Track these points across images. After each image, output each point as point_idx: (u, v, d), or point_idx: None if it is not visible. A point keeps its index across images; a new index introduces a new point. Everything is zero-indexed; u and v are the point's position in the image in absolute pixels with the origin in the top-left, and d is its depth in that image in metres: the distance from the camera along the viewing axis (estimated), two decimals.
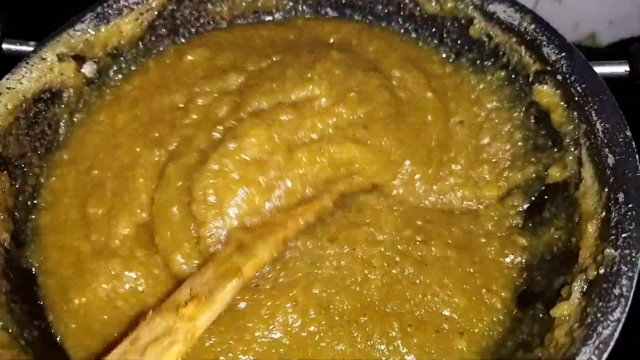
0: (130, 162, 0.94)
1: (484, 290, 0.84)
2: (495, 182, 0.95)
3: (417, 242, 0.87)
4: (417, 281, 0.84)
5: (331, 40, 1.12)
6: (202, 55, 1.07)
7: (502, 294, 0.85)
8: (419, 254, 0.86)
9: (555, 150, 0.90)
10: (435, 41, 1.10)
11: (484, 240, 0.89)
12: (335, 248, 0.86)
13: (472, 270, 0.86)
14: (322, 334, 0.80)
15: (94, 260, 0.86)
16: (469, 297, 0.83)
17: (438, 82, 1.03)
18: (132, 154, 0.95)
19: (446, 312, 0.82)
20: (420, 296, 0.83)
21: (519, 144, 0.97)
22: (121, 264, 0.85)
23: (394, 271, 0.84)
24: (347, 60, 1.00)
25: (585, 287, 0.72)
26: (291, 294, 0.81)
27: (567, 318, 0.72)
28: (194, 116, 0.96)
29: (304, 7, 1.19)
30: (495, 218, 0.92)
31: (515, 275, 0.87)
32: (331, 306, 0.81)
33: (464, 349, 0.80)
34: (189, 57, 1.07)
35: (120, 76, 1.08)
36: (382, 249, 0.86)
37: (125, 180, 0.92)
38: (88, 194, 0.92)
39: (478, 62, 1.04)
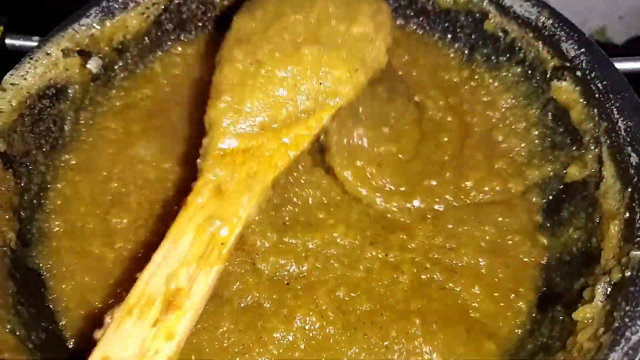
0: (158, 177, 0.93)
1: (512, 295, 0.83)
2: (518, 176, 0.93)
3: (448, 250, 0.86)
4: (446, 287, 0.83)
5: None
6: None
7: (528, 297, 0.83)
8: (450, 262, 0.85)
9: (574, 148, 0.88)
10: (449, 36, 1.08)
11: (513, 237, 0.87)
12: (372, 251, 0.85)
13: (502, 275, 0.84)
14: (337, 337, 0.79)
15: (119, 266, 0.86)
16: (498, 303, 0.82)
17: (455, 96, 1.01)
18: (159, 169, 0.94)
19: (477, 316, 0.81)
20: (449, 300, 0.82)
21: (536, 141, 0.95)
22: None
23: (423, 276, 0.83)
24: (389, 75, 0.97)
25: (609, 289, 0.71)
26: (314, 297, 0.81)
27: (591, 321, 0.71)
28: None
29: None
30: (523, 212, 0.90)
31: (537, 276, 0.85)
32: (350, 309, 0.81)
33: (491, 351, 0.79)
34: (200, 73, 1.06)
35: (126, 73, 1.06)
36: (413, 256, 0.85)
37: (156, 193, 0.92)
38: (109, 204, 0.92)
39: (493, 57, 1.02)
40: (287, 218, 0.87)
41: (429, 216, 0.89)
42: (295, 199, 0.89)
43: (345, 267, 0.84)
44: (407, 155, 0.93)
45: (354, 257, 0.85)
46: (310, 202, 0.89)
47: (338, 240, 0.86)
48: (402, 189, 0.90)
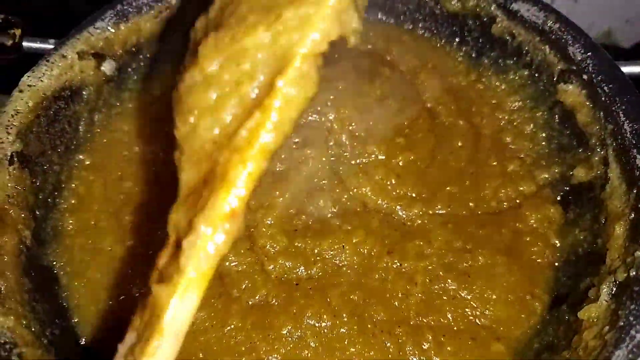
0: (172, 178, 0.94)
1: (528, 296, 0.83)
2: (529, 177, 0.93)
3: (466, 252, 0.86)
4: (458, 296, 0.83)
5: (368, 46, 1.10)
6: None
7: (543, 297, 0.83)
8: (465, 264, 0.85)
9: (581, 150, 0.89)
10: (457, 39, 1.09)
11: (529, 239, 0.88)
12: (388, 261, 0.85)
13: (519, 276, 0.84)
14: (352, 339, 0.79)
15: (130, 264, 0.87)
16: (512, 307, 0.82)
17: (464, 100, 1.03)
18: (172, 171, 0.95)
19: (485, 322, 0.81)
20: (459, 311, 0.82)
21: (543, 143, 0.97)
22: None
23: (435, 287, 0.83)
24: (398, 84, 1.00)
25: (615, 289, 0.72)
26: (327, 298, 0.81)
27: (596, 320, 0.72)
28: None
29: None
30: (535, 213, 0.90)
31: (551, 276, 0.86)
32: (366, 314, 0.81)
33: (500, 352, 0.79)
34: None
35: (139, 75, 1.07)
36: (427, 264, 0.85)
37: (167, 192, 0.92)
38: (122, 202, 0.94)
39: (500, 60, 1.03)
40: (300, 225, 0.88)
41: (451, 222, 0.89)
42: (312, 209, 0.90)
43: (359, 275, 0.84)
44: (424, 162, 0.95)
45: (369, 266, 0.85)
46: (328, 215, 0.90)
47: (353, 247, 0.86)
48: (424, 195, 0.91)
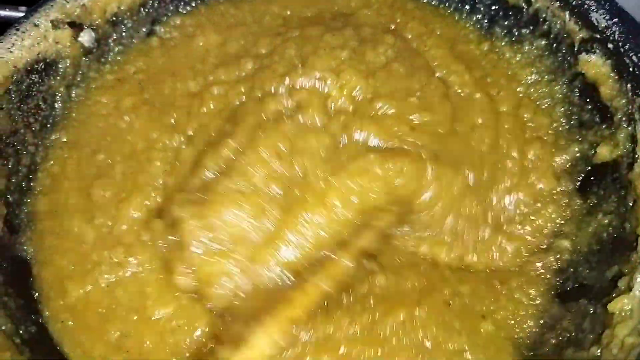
0: (145, 146, 0.89)
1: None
2: (549, 169, 0.86)
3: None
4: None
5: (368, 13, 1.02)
6: (213, 41, 0.99)
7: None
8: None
9: (604, 126, 0.82)
10: (467, 7, 1.01)
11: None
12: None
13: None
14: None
15: (95, 247, 0.81)
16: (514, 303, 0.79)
17: (478, 69, 0.95)
18: (147, 139, 0.89)
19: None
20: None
21: (561, 120, 0.89)
22: (125, 251, 0.80)
23: None
24: (404, 52, 0.92)
25: None
26: None
27: (629, 314, 0.65)
28: (211, 106, 0.90)
29: None
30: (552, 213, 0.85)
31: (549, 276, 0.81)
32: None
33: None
34: (200, 43, 0.99)
35: (121, 47, 0.99)
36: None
37: (140, 163, 0.87)
38: (93, 177, 0.86)
39: (514, 30, 0.96)
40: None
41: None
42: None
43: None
44: (443, 128, 0.86)
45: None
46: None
47: None
48: (440, 156, 0.83)
